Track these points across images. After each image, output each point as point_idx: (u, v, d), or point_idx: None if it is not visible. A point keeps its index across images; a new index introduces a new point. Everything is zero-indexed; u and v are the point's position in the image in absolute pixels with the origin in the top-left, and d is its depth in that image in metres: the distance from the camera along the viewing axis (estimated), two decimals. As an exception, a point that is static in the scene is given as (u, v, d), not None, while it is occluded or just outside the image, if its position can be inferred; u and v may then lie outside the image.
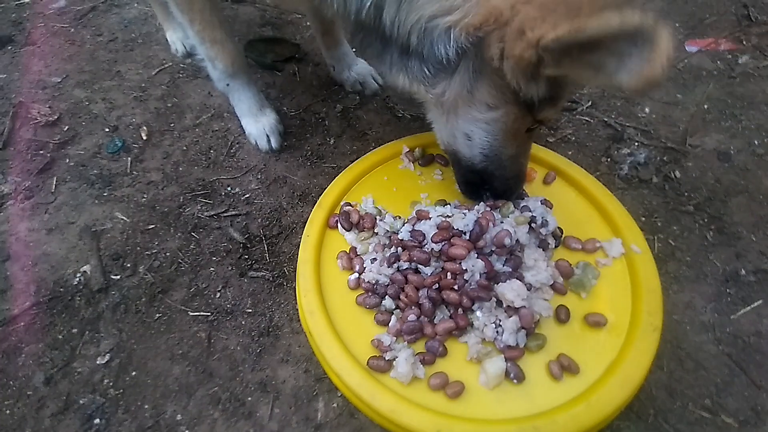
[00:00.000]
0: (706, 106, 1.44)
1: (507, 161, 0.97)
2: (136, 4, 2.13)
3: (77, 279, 1.16)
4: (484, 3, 0.73)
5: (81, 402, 0.95)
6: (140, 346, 1.03)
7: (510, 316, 0.88)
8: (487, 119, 0.91)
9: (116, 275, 1.16)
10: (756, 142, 1.33)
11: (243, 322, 1.06)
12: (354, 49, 1.65)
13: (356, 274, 1.01)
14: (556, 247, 1.02)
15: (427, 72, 0.87)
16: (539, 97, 0.79)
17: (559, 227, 1.04)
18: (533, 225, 0.98)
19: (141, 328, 1.06)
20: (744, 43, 1.64)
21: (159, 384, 0.97)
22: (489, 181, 1.02)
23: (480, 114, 0.90)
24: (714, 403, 0.88)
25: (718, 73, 1.55)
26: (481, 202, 1.02)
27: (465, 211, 1.00)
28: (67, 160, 1.48)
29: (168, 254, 1.20)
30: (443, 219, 0.97)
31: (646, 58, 0.60)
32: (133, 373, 0.99)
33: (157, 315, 1.08)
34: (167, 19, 1.78)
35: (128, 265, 1.19)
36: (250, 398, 0.94)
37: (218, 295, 1.11)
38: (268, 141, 1.42)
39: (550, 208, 1.07)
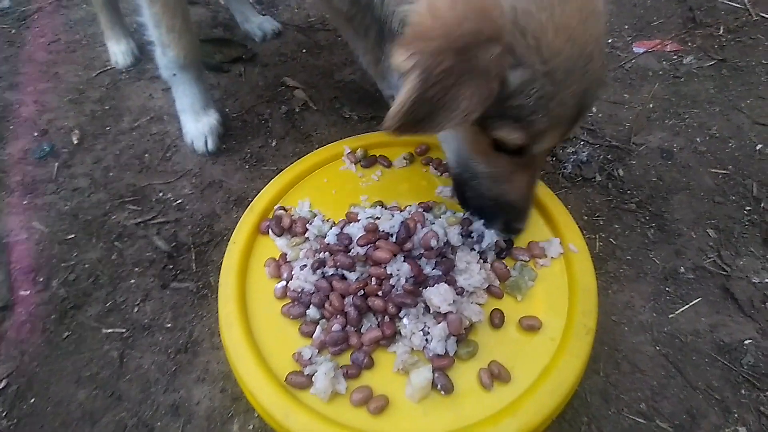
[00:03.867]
0: (651, 105, 1.45)
1: (484, 179, 0.87)
2: (84, 5, 2.04)
3: (-20, 296, 1.06)
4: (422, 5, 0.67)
5: (-32, 435, 0.85)
6: (43, 369, 0.94)
7: (438, 323, 0.83)
8: None
9: (25, 291, 1.07)
10: (698, 140, 1.34)
11: (160, 338, 0.97)
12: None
13: (284, 282, 0.95)
14: (504, 257, 0.95)
15: None
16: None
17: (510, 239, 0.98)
18: (473, 236, 0.93)
19: (47, 349, 0.97)
20: (689, 44, 1.66)
21: (60, 411, 0.88)
22: (467, 194, 0.93)
23: None
24: (649, 408, 0.85)
25: (664, 73, 1.56)
26: (414, 204, 0.98)
27: (394, 213, 0.95)
28: (-13, 167, 1.37)
29: (86, 266, 1.11)
30: (371, 221, 0.92)
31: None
32: (32, 399, 0.90)
33: (67, 333, 0.99)
34: (112, 27, 1.69)
35: (40, 279, 1.09)
36: (159, 423, 0.86)
37: (136, 309, 1.02)
38: (206, 143, 1.35)
39: None
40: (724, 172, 1.25)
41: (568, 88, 0.70)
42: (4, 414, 0.88)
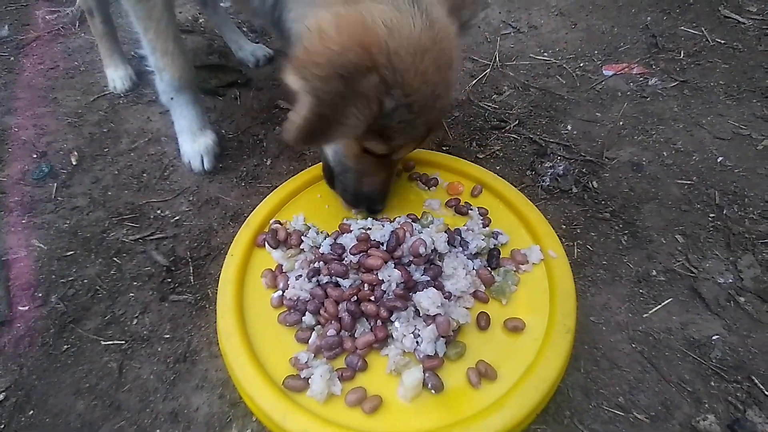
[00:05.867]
0: (621, 123, 1.56)
1: (352, 173, 1.04)
2: (83, 34, 2.12)
3: (-22, 312, 1.07)
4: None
5: (-35, 450, 0.86)
6: (42, 382, 0.95)
7: (428, 325, 0.88)
8: None
9: (24, 306, 1.08)
10: (665, 154, 1.45)
11: (159, 349, 1.00)
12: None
13: (280, 292, 0.99)
14: (494, 267, 1.02)
15: None
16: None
17: (497, 249, 1.05)
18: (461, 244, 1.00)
19: (45, 362, 0.99)
20: (653, 67, 1.80)
21: (59, 422, 0.89)
22: (338, 183, 1.11)
23: None
24: (627, 401, 0.90)
25: (632, 94, 1.69)
26: (403, 215, 1.05)
27: (384, 223, 1.01)
28: (-14, 188, 1.40)
29: (85, 281, 1.14)
30: (363, 231, 0.98)
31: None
32: (31, 412, 0.91)
33: (66, 346, 1.01)
34: (110, 55, 1.76)
35: (39, 294, 1.11)
36: (158, 430, 0.87)
37: (135, 321, 1.05)
38: (202, 162, 1.40)
39: (483, 215, 1.13)
40: (689, 182, 1.35)
41: (421, 117, 0.88)
42: (2, 427, 0.88)
